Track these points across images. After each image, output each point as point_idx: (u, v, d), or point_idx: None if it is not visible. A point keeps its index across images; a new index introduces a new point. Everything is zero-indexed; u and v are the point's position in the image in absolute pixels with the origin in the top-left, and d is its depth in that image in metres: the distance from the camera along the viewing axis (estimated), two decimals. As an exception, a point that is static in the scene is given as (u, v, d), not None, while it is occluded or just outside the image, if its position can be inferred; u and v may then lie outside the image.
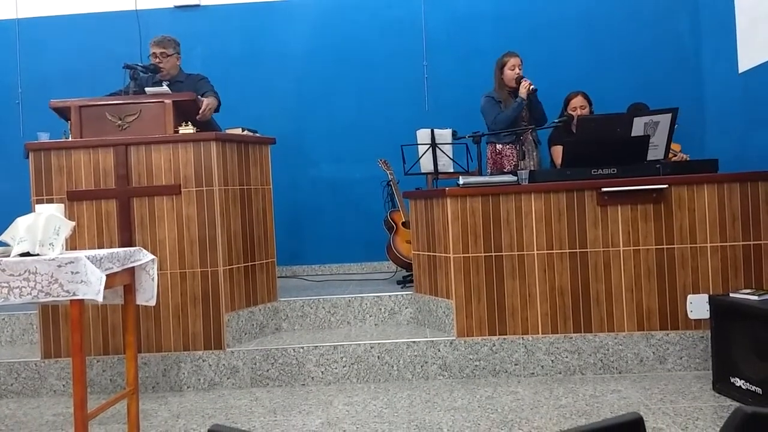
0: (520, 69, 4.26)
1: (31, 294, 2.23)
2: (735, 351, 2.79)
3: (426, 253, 3.59)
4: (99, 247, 3.27)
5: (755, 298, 2.76)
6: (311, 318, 3.77)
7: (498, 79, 4.32)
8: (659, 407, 2.69)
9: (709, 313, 2.97)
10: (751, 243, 3.18)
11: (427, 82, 5.25)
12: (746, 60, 4.21)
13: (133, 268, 2.67)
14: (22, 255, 2.29)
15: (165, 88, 3.67)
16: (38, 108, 4.78)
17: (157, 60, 4.02)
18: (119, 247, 3.20)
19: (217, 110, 3.90)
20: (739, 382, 2.74)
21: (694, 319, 3.18)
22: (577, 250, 3.23)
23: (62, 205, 2.48)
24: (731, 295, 2.92)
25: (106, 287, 2.28)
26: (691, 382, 3.00)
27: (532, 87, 4.11)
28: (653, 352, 3.18)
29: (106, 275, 2.32)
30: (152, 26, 5.03)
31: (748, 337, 2.73)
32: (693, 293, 3.18)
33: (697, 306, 3.16)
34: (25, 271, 2.23)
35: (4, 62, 5.35)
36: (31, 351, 3.51)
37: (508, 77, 4.27)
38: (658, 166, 3.31)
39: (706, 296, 3.08)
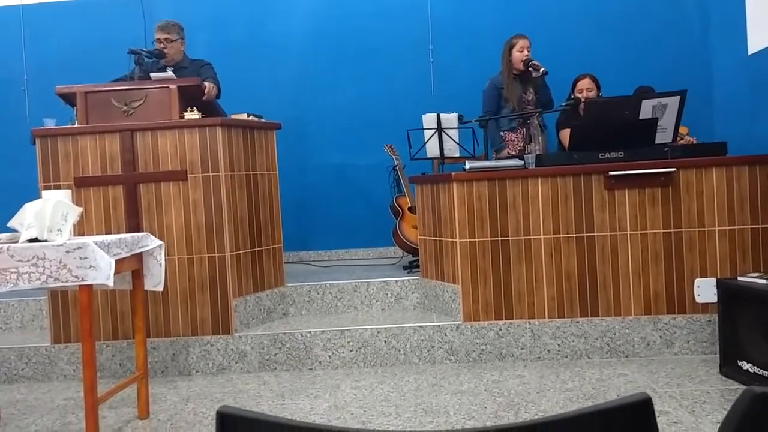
0: (528, 51, 4.23)
1: (40, 279, 2.25)
2: (742, 335, 2.79)
3: (432, 238, 3.59)
4: (106, 233, 3.28)
5: (763, 281, 2.75)
6: (318, 303, 3.78)
7: (506, 61, 4.28)
8: (666, 391, 2.69)
9: (716, 296, 2.96)
10: (760, 226, 3.16)
11: (432, 66, 5.21)
12: (756, 41, 4.15)
13: (140, 253, 2.68)
14: (31, 241, 2.30)
15: (170, 73, 3.66)
16: (44, 94, 4.76)
17: (162, 45, 4.01)
18: (126, 232, 3.21)
19: (217, 97, 3.89)
20: (746, 366, 2.74)
21: (702, 303, 3.17)
22: (584, 234, 3.22)
23: (69, 191, 2.50)
24: (739, 278, 2.91)
25: (114, 273, 2.30)
26: (698, 366, 3.00)
27: (542, 70, 4.08)
28: (660, 336, 3.18)
29: (115, 261, 2.33)
30: (157, 11, 5.02)
31: (755, 321, 2.72)
32: (700, 277, 3.17)
33: (705, 290, 3.15)
34: (34, 257, 2.25)
35: (10, 49, 5.34)
36: (41, 336, 3.54)
37: (516, 59, 4.24)
38: (666, 149, 3.28)
39: (713, 280, 3.07)
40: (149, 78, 3.55)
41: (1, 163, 5.29)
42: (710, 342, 3.14)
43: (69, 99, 3.46)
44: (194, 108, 3.38)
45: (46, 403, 3.01)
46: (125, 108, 3.37)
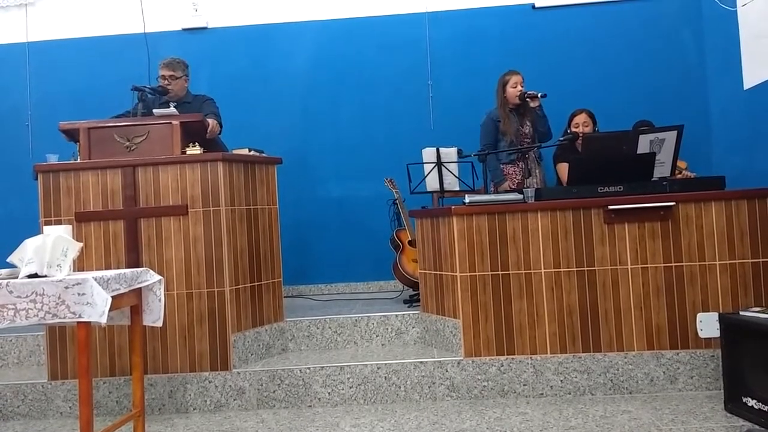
0: (522, 86, 4.29)
1: (37, 316, 2.24)
2: (746, 370, 2.76)
3: (432, 272, 3.58)
4: (106, 268, 3.28)
5: (766, 316, 2.73)
6: (317, 338, 3.75)
7: (500, 98, 4.35)
8: (670, 428, 2.65)
9: (719, 331, 2.94)
10: (761, 260, 3.15)
11: (432, 100, 5.27)
12: (751, 76, 4.21)
13: (140, 288, 2.67)
14: (30, 276, 2.30)
15: (173, 109, 3.71)
16: (47, 130, 4.84)
17: (166, 82, 4.08)
18: (126, 267, 3.21)
19: (219, 133, 3.93)
20: (751, 402, 2.70)
21: (705, 338, 3.14)
22: (585, 269, 3.21)
23: (70, 227, 2.49)
24: (741, 313, 2.89)
25: (113, 308, 2.29)
26: (703, 402, 2.96)
27: (540, 95, 4.13)
28: (663, 372, 3.14)
29: (113, 296, 2.32)
30: (160, 49, 5.10)
31: (759, 356, 2.69)
32: (703, 311, 3.15)
33: (707, 324, 3.12)
34: (33, 293, 2.24)
35: (15, 85, 5.42)
36: (38, 373, 3.51)
37: (511, 95, 4.30)
38: (664, 183, 3.30)
39: (715, 314, 3.05)
40: (152, 114, 3.59)
41: (4, 196, 5.32)
42: (714, 377, 3.10)
43: (72, 135, 3.49)
44: (196, 143, 3.41)
45: (41, 441, 2.96)
46: (128, 144, 3.40)
